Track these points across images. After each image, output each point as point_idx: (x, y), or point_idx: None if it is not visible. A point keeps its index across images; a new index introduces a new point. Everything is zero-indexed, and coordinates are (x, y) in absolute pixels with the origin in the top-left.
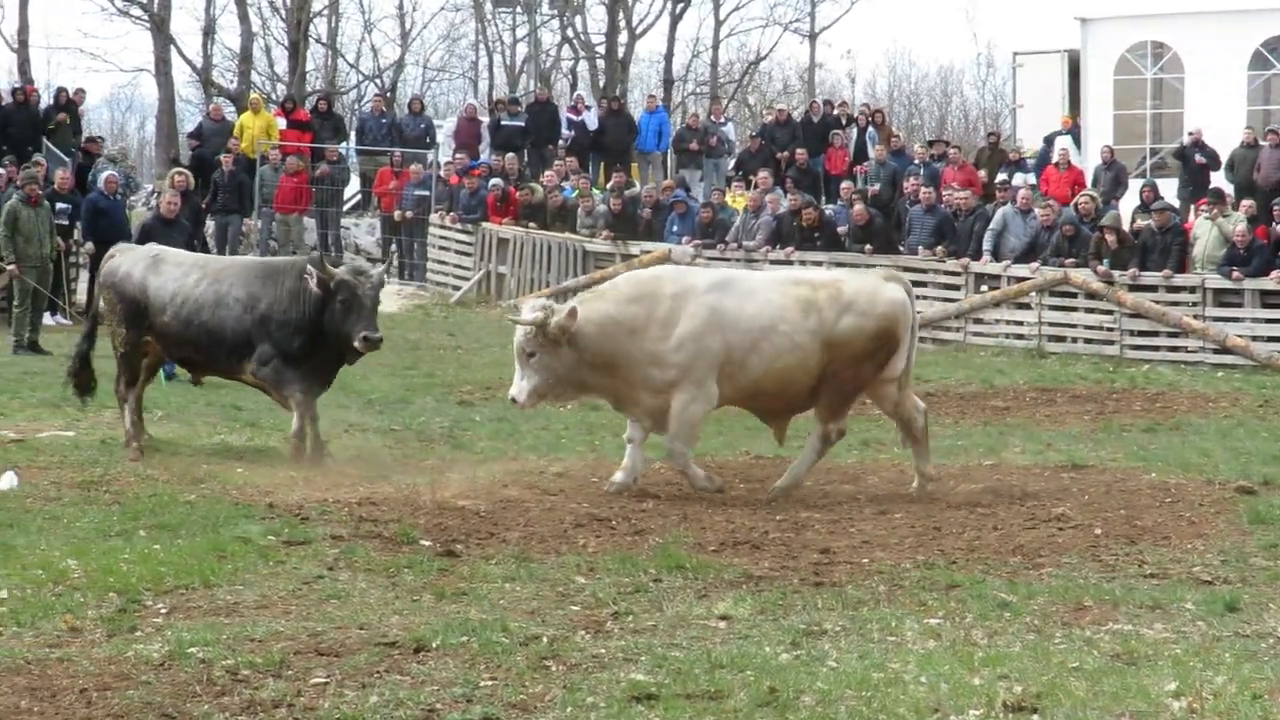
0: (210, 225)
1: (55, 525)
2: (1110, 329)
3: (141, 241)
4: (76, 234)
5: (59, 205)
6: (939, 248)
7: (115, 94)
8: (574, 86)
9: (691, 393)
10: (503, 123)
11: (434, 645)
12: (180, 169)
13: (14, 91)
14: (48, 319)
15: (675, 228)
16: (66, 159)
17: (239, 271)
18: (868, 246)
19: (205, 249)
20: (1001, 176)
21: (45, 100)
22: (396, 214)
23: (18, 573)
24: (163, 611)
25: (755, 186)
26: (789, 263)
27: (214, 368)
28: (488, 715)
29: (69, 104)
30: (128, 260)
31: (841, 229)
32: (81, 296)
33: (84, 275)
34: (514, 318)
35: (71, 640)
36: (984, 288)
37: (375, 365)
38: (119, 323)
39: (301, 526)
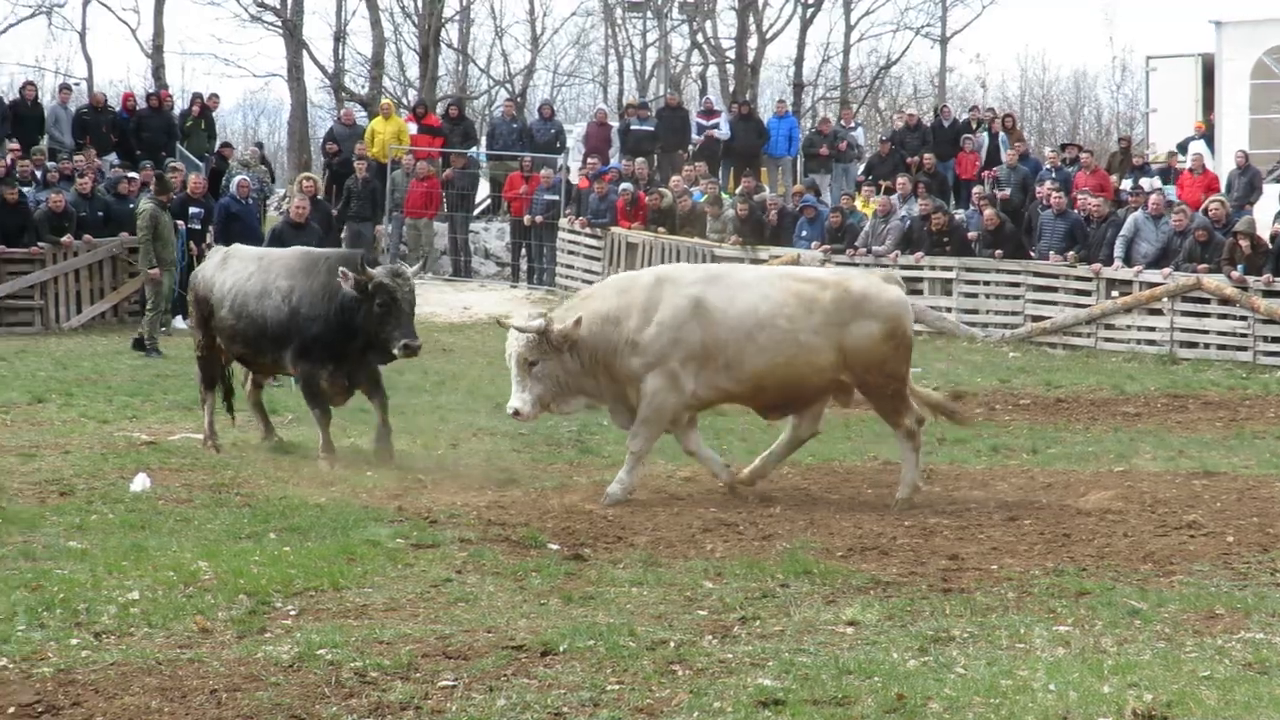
0: (344, 232)
1: (186, 527)
2: (1243, 335)
3: (273, 245)
4: (209, 238)
5: (191, 209)
6: (1070, 253)
7: (248, 99)
8: (704, 91)
9: (663, 382)
10: (632, 127)
11: (561, 649)
12: (308, 174)
13: (149, 97)
14: (178, 322)
15: (804, 232)
16: (200, 163)
17: (285, 262)
18: (998, 251)
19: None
20: (1126, 183)
21: (180, 105)
22: (526, 218)
23: (150, 574)
24: (292, 613)
25: (887, 191)
26: (918, 268)
27: (263, 362)
28: (614, 719)
29: (204, 109)
30: (205, 263)
31: (971, 234)
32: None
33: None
34: (516, 325)
35: (202, 641)
36: (1115, 293)
37: (503, 368)
38: (195, 325)
39: (430, 530)
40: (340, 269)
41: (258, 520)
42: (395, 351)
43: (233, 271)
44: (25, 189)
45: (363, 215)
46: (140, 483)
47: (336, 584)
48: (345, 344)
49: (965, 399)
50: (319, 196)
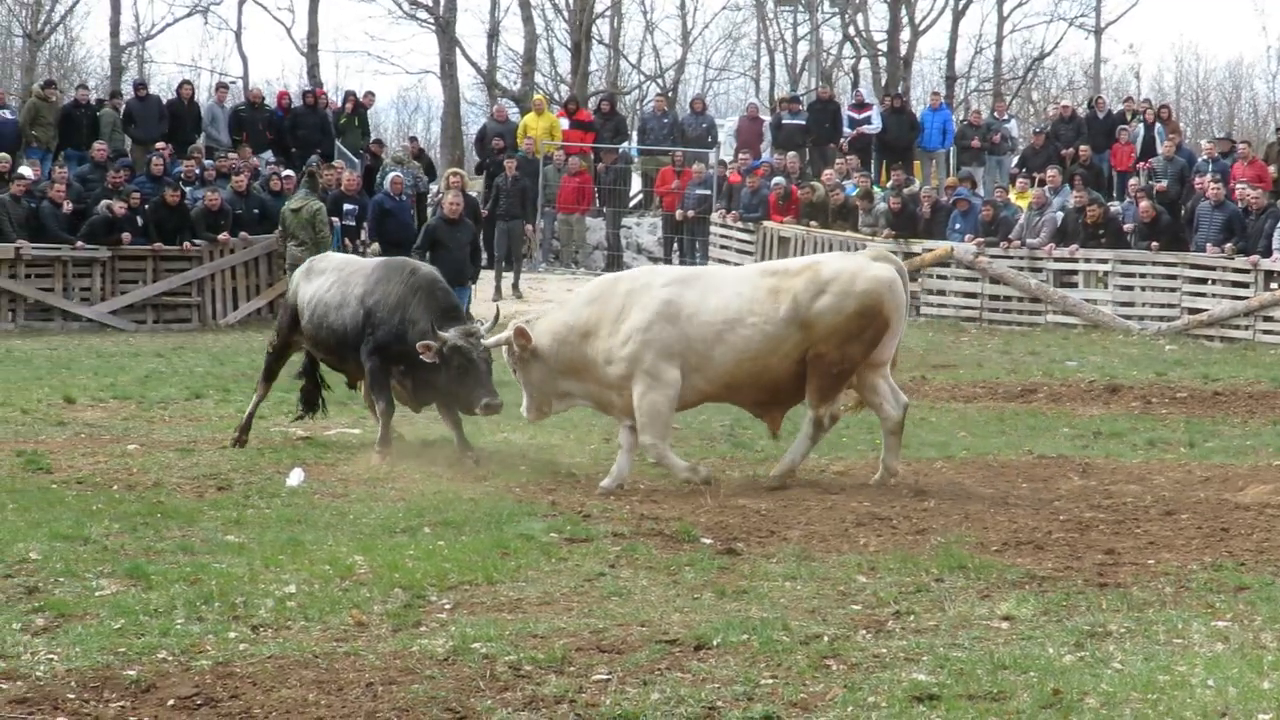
0: (495, 231)
1: (342, 521)
2: None
3: (426, 243)
4: (363, 235)
5: (345, 206)
6: (1228, 245)
7: (401, 96)
8: (855, 84)
9: (646, 382)
10: (784, 121)
11: (715, 643)
12: (455, 169)
13: (304, 95)
14: None
15: (957, 225)
16: (355, 160)
17: (364, 270)
18: (1154, 244)
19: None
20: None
21: (334, 102)
22: (678, 213)
23: (306, 568)
24: (447, 607)
25: (1041, 184)
26: (1073, 261)
27: (348, 368)
28: (768, 714)
29: (358, 107)
30: (295, 273)
31: (1127, 226)
32: None
33: None
34: (488, 339)
35: (358, 635)
36: (1274, 285)
37: None
38: (278, 324)
39: (584, 524)
40: (420, 343)
41: (412, 515)
42: (477, 411)
43: (315, 283)
44: (187, 187)
45: (512, 214)
46: (296, 477)
47: (491, 578)
48: (411, 352)
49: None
50: (469, 192)
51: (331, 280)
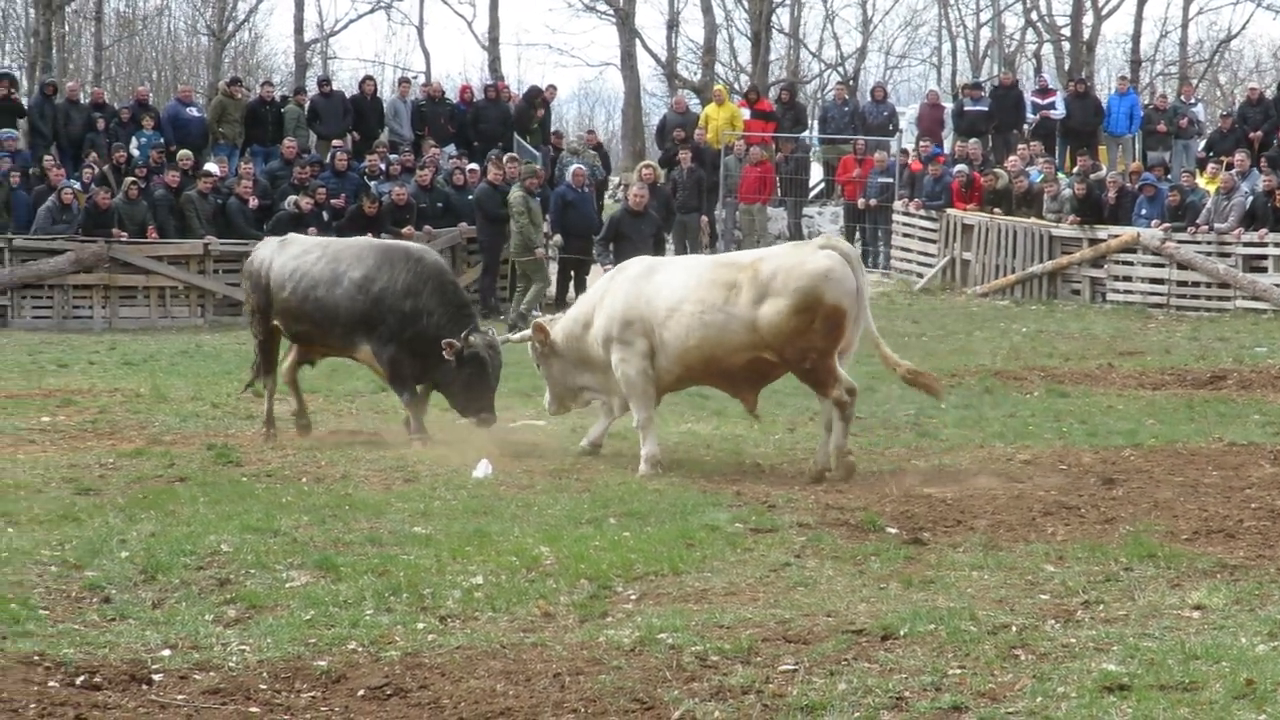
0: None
1: (528, 512)
2: None
3: (610, 234)
4: (546, 226)
5: None
6: None
7: (582, 88)
8: (1038, 70)
9: (619, 353)
10: (966, 108)
11: (901, 633)
12: (648, 163)
13: (486, 88)
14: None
15: (1144, 211)
16: (537, 153)
17: (355, 251)
18: None
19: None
20: None
21: (516, 95)
22: (860, 202)
23: (493, 559)
24: (633, 598)
25: (1228, 167)
26: (1262, 245)
27: (330, 344)
28: (956, 704)
29: (539, 100)
30: (260, 249)
31: None
32: (552, 289)
33: (553, 267)
34: (505, 337)
35: (545, 625)
36: None
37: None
38: (252, 310)
39: (769, 514)
40: (444, 341)
41: (598, 505)
42: (470, 418)
43: (292, 255)
44: (371, 181)
45: (689, 206)
46: (482, 469)
47: (676, 568)
48: (419, 338)
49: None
50: (658, 184)
51: (316, 256)
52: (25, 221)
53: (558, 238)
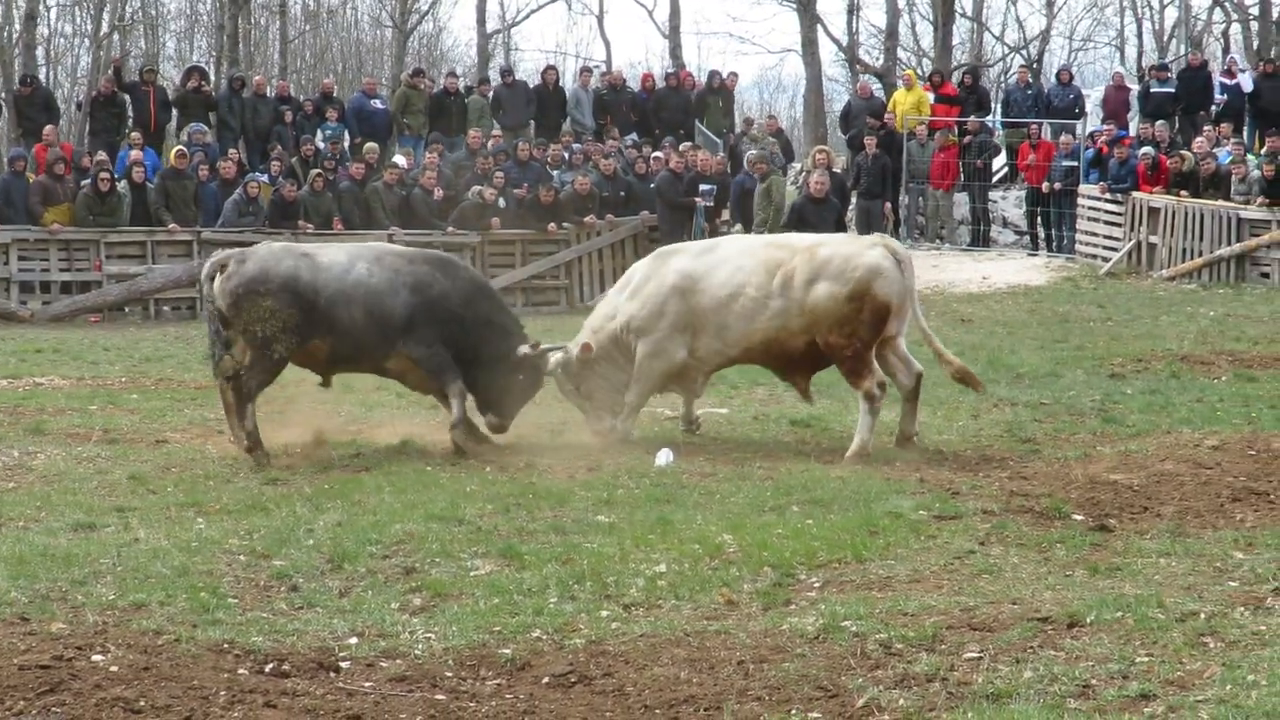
0: (852, 209)
1: (710, 500)
2: None
3: (792, 221)
4: (725, 214)
5: (702, 186)
6: None
7: (763, 75)
8: (1226, 50)
9: (650, 347)
10: (1152, 90)
11: (1088, 621)
12: (821, 147)
13: (667, 76)
14: None
15: None
16: (718, 140)
17: (404, 258)
18: None
19: (843, 228)
20: None
21: (699, 82)
22: (1045, 185)
23: (676, 547)
24: (816, 585)
25: None
26: None
27: (361, 363)
28: (1144, 692)
29: (721, 87)
30: (281, 263)
31: None
32: None
33: None
34: (549, 371)
35: (728, 613)
36: None
37: (1023, 338)
38: (282, 330)
39: (952, 501)
40: (530, 344)
41: (780, 493)
42: (486, 420)
43: (341, 266)
44: (553, 171)
45: (873, 192)
46: (664, 457)
47: (860, 556)
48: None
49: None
50: (835, 169)
51: (368, 266)
52: (214, 214)
53: (738, 228)
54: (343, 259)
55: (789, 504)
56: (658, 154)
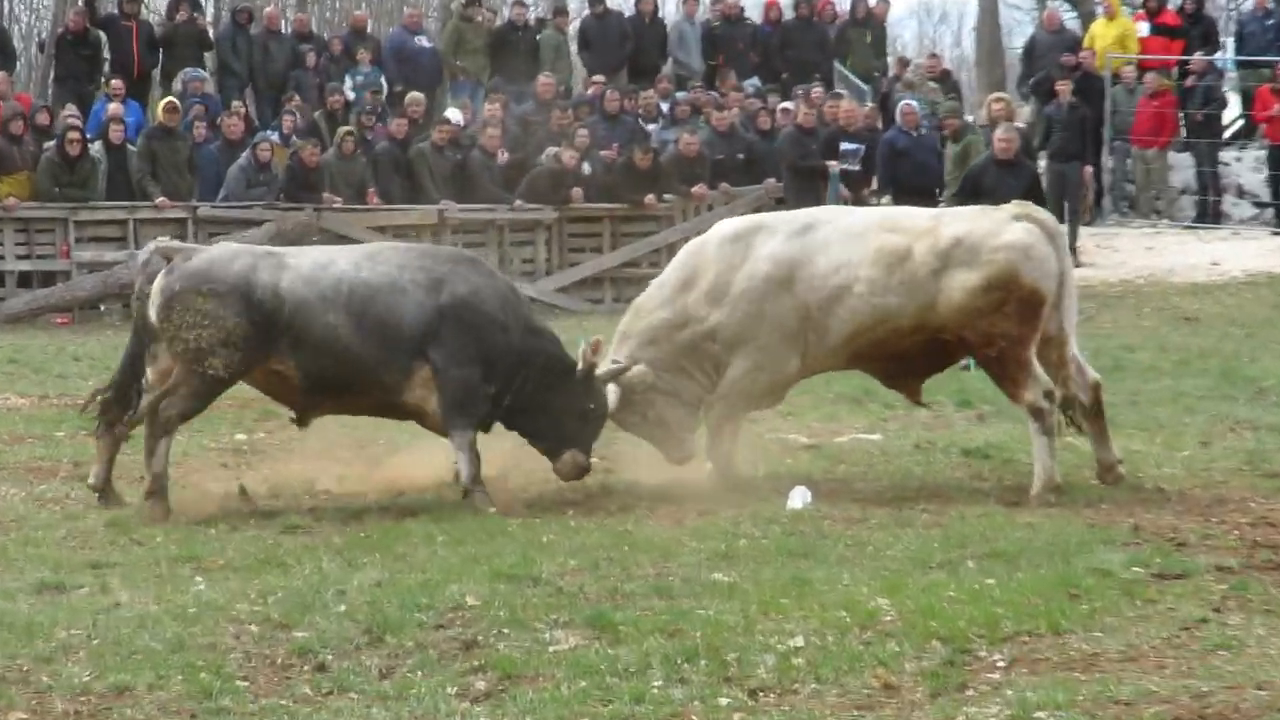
0: (1043, 171)
1: (860, 554)
2: None
3: (968, 192)
4: (873, 183)
5: (844, 146)
6: None
7: (922, 4)
8: None
9: (753, 360)
10: None
11: None
12: (998, 95)
13: (797, 4)
14: None
15: None
16: (864, 85)
17: (405, 253)
18: None
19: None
20: None
21: (841, 12)
22: None
23: (815, 614)
24: (1000, 665)
25: None
26: None
27: (357, 395)
28: None
29: (868, 17)
30: (230, 265)
31: None
32: None
33: None
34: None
35: (885, 700)
36: None
37: (1266, 341)
38: (223, 343)
39: (1176, 555)
40: (594, 339)
41: (951, 544)
42: (557, 465)
43: (312, 264)
44: (650, 126)
45: (1068, 152)
46: (800, 498)
47: (1056, 626)
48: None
49: None
50: (1018, 123)
51: (357, 261)
52: (214, 185)
53: (887, 197)
54: (319, 254)
55: (963, 558)
56: (786, 104)
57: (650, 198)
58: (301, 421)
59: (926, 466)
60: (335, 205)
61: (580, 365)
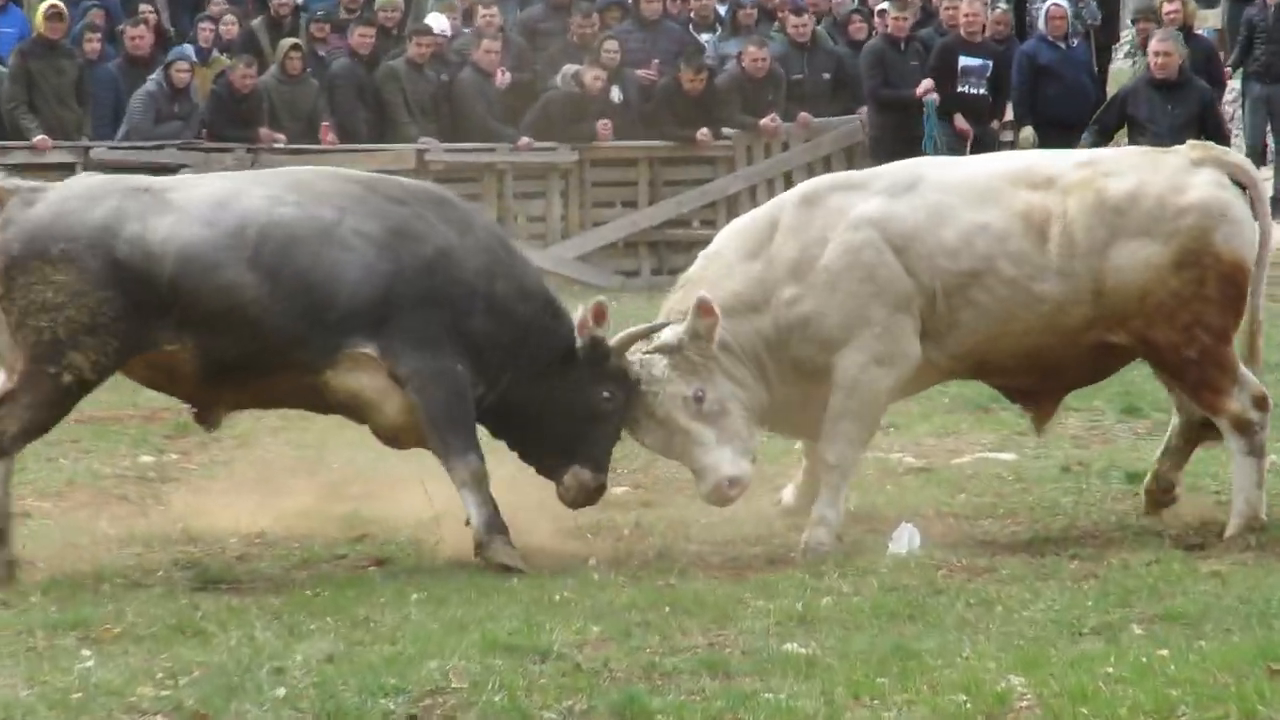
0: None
1: (986, 616)
2: None
3: (1113, 120)
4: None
5: (965, 61)
6: None
7: None
8: None
9: (868, 354)
10: None
11: None
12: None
13: None
14: None
15: None
16: None
17: (344, 190)
18: None
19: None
20: None
21: None
22: None
23: (925, 699)
24: None
25: None
26: None
27: (282, 378)
28: None
29: None
30: (90, 211)
31: None
32: None
33: None
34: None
35: None
36: None
37: None
38: (87, 327)
39: None
40: (597, 301)
41: (1110, 602)
42: (564, 481)
43: (204, 205)
44: (704, 36)
45: (1273, 71)
46: (905, 538)
47: (1251, 712)
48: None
49: None
50: (1197, 29)
51: (274, 194)
52: (113, 117)
53: (1027, 130)
54: (218, 186)
55: (1126, 620)
56: (885, 5)
57: (703, 132)
58: (209, 420)
59: (1077, 496)
60: (276, 144)
61: (579, 341)
